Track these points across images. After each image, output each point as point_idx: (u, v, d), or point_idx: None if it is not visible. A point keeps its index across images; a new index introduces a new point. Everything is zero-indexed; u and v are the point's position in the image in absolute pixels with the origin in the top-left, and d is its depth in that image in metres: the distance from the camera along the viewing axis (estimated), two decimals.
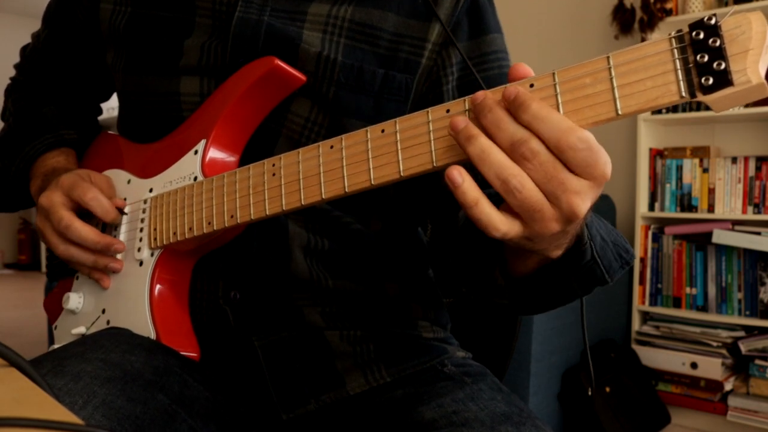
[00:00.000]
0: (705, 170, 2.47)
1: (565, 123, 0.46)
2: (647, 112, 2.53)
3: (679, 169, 2.52)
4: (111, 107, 1.22)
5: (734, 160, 2.42)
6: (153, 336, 0.69)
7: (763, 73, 0.43)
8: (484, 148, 0.47)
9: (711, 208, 2.45)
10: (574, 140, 0.45)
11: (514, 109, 0.47)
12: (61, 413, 0.34)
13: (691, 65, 0.44)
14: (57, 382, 0.56)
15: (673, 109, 2.50)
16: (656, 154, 2.57)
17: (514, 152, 0.46)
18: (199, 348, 0.71)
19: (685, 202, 2.50)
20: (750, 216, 2.36)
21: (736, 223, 2.37)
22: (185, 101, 0.75)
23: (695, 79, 0.43)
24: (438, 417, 0.63)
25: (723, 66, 0.43)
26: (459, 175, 0.47)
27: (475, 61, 0.75)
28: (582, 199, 0.46)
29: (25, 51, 0.97)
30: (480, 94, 0.48)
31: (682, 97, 0.44)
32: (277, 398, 0.73)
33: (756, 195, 2.36)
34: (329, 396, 0.73)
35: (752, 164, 2.38)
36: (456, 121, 0.49)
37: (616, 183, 2.85)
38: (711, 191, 2.45)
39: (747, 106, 2.39)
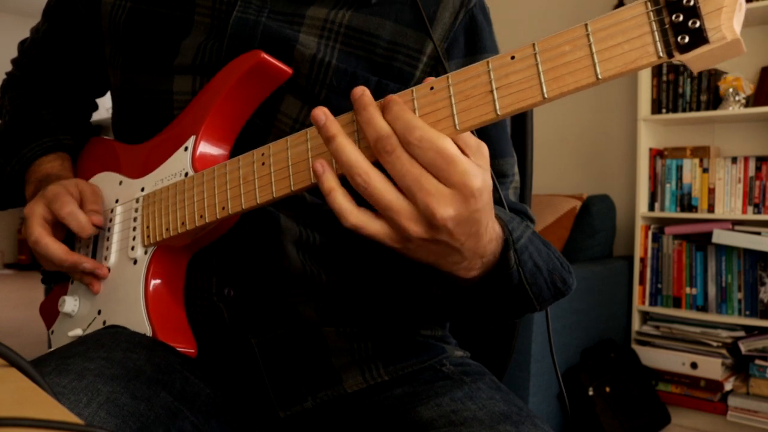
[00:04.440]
0: (705, 170, 2.47)
1: (415, 122, 0.49)
2: (647, 112, 2.53)
3: (679, 169, 2.52)
4: (109, 107, 1.22)
5: (734, 160, 2.41)
6: (149, 333, 0.69)
7: (738, 30, 0.43)
8: (338, 147, 0.51)
9: (711, 208, 2.44)
10: (416, 137, 0.48)
11: (382, 109, 0.51)
12: (61, 413, 0.35)
13: (667, 26, 0.44)
14: (61, 381, 0.56)
15: (674, 108, 2.51)
16: (656, 154, 2.57)
17: (376, 146, 0.50)
18: (195, 344, 0.71)
19: (685, 202, 2.50)
20: (750, 216, 2.36)
21: (736, 223, 2.37)
22: (177, 99, 0.75)
23: (671, 38, 0.44)
24: (436, 416, 0.63)
25: (698, 24, 0.43)
26: (320, 166, 0.52)
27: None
28: (439, 202, 0.48)
29: (23, 45, 0.97)
30: (359, 90, 0.52)
31: (659, 57, 0.45)
32: (274, 396, 0.73)
33: (756, 195, 2.36)
34: (326, 393, 0.73)
35: (752, 164, 2.38)
36: (316, 116, 0.52)
37: (616, 183, 2.85)
38: (711, 191, 2.45)
39: (747, 106, 2.39)
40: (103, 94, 0.98)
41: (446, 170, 0.48)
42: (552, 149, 2.96)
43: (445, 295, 0.66)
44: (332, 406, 0.73)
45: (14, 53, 0.99)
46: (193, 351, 0.70)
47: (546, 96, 0.48)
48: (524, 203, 0.94)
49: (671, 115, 2.50)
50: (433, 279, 0.64)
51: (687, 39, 0.44)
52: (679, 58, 0.44)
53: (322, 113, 0.52)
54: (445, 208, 0.49)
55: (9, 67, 0.99)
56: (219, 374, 0.73)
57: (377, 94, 0.72)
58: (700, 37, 0.43)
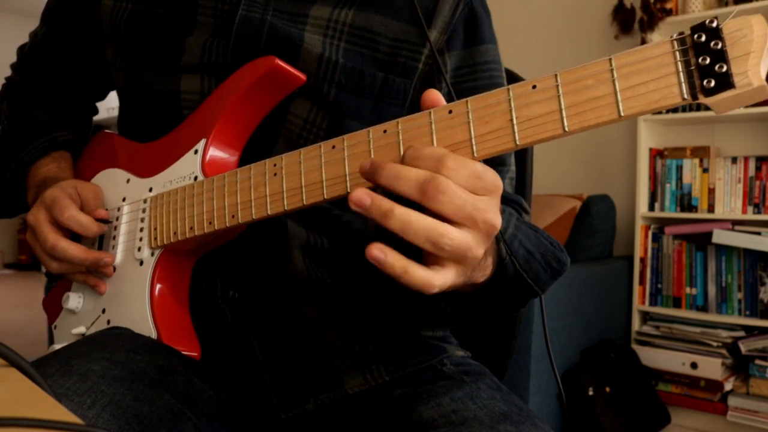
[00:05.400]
0: (705, 170, 2.47)
1: (439, 151, 0.48)
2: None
3: (679, 169, 2.52)
4: (111, 107, 1.22)
5: (734, 160, 2.42)
6: (154, 335, 0.69)
7: (764, 76, 0.43)
8: (404, 218, 0.47)
9: (711, 208, 2.45)
10: (451, 161, 0.47)
11: (406, 160, 0.49)
12: (61, 413, 0.35)
13: (692, 67, 0.44)
14: (65, 382, 0.56)
15: (673, 109, 2.51)
16: (656, 154, 2.57)
17: (425, 192, 0.47)
18: (200, 347, 0.71)
19: (685, 202, 2.50)
20: (750, 216, 2.36)
21: (736, 223, 2.37)
22: (185, 99, 0.75)
23: (697, 81, 0.44)
24: (437, 416, 0.63)
25: (725, 68, 0.43)
26: (380, 252, 0.48)
27: (468, 69, 0.76)
28: (492, 213, 0.49)
29: (22, 50, 0.97)
30: (365, 164, 0.50)
31: (684, 99, 0.44)
32: (275, 397, 0.73)
33: (756, 195, 2.36)
34: (328, 395, 0.73)
35: (752, 164, 2.38)
36: (359, 199, 0.48)
37: (616, 183, 2.85)
38: (711, 191, 2.45)
39: (747, 106, 2.38)
40: (103, 98, 0.98)
41: (482, 183, 0.48)
42: (552, 149, 2.96)
43: (454, 309, 0.65)
44: (333, 407, 0.73)
45: (14, 52, 0.98)
46: (197, 354, 0.70)
47: (567, 129, 0.47)
48: (524, 200, 0.95)
49: (671, 115, 2.50)
50: (441, 299, 0.64)
51: (713, 83, 0.43)
52: (703, 100, 0.44)
53: (363, 193, 0.48)
54: (498, 216, 0.50)
55: (8, 67, 0.99)
56: (221, 376, 0.73)
57: (384, 90, 0.73)
58: (726, 82, 0.43)
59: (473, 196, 0.48)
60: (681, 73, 0.44)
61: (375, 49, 0.74)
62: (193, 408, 0.63)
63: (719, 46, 0.43)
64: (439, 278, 0.49)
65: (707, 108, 0.45)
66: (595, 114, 0.46)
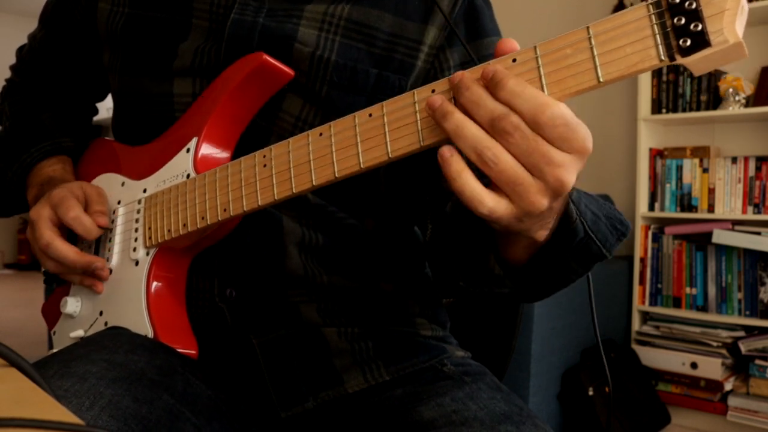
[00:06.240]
0: (705, 170, 2.47)
1: (542, 98, 0.46)
2: (647, 112, 2.53)
3: (679, 169, 2.52)
4: (110, 107, 1.22)
5: (734, 160, 2.42)
6: (151, 335, 0.69)
7: (740, 33, 0.43)
8: (458, 123, 0.48)
9: (711, 208, 2.45)
10: (548, 116, 0.46)
11: (492, 86, 0.48)
12: (61, 413, 0.34)
13: (669, 29, 0.44)
14: (63, 384, 0.56)
15: (674, 108, 2.51)
16: (656, 154, 2.57)
17: (494, 127, 0.47)
18: (197, 346, 0.71)
19: (685, 202, 2.50)
20: (750, 216, 2.36)
21: (736, 223, 2.37)
22: (178, 102, 0.75)
23: (673, 42, 0.44)
24: (437, 416, 0.63)
25: (700, 27, 0.43)
26: (449, 150, 0.49)
27: (472, 65, 0.75)
28: (567, 172, 0.47)
29: (21, 52, 0.97)
30: (457, 75, 0.49)
31: (661, 60, 0.45)
32: (275, 396, 0.73)
33: (756, 195, 2.36)
34: (327, 394, 0.73)
35: (752, 164, 2.38)
36: (432, 100, 0.50)
37: (616, 183, 2.85)
38: (711, 191, 2.45)
39: (747, 106, 2.39)
40: (102, 98, 0.98)
41: (571, 139, 0.46)
42: None
43: (507, 275, 0.63)
44: (333, 406, 0.73)
45: (14, 53, 0.99)
46: (194, 352, 0.70)
47: None
48: None
49: (671, 115, 2.50)
50: (493, 254, 0.62)
51: (689, 42, 0.44)
52: (680, 61, 0.44)
53: (438, 96, 0.50)
54: (572, 175, 0.48)
55: (8, 67, 0.99)
56: (220, 375, 0.73)
57: (378, 87, 0.73)
58: (702, 41, 0.43)
59: (549, 148, 0.46)
60: (657, 35, 0.45)
61: (371, 44, 0.73)
62: (192, 408, 0.63)
63: (693, 6, 0.43)
64: (490, 200, 0.48)
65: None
66: (575, 81, 0.47)
